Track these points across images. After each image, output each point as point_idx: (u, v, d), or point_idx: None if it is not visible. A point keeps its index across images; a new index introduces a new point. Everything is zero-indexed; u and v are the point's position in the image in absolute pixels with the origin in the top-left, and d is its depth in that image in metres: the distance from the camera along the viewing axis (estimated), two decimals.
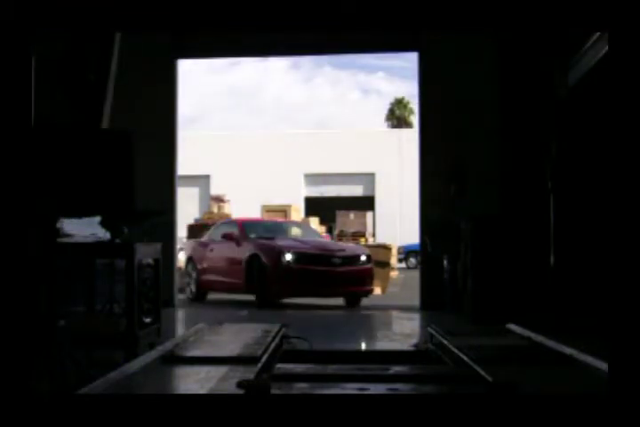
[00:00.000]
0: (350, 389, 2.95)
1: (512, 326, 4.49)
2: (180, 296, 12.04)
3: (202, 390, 2.62)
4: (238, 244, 11.21)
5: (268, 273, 10.23)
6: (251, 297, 10.63)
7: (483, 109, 9.63)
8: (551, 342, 3.77)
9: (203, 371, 2.99)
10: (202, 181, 27.45)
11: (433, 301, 9.47)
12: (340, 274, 10.33)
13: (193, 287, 12.12)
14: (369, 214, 20.11)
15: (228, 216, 15.51)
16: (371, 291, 10.94)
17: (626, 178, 2.31)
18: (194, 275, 12.17)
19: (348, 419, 2.21)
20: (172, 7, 2.70)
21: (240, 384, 2.61)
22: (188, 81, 55.02)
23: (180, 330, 7.47)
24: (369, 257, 11.07)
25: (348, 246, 12.18)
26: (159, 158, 10.03)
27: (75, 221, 5.20)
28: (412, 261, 24.20)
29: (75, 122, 6.36)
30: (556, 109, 8.06)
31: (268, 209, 17.21)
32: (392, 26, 2.85)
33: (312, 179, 28.88)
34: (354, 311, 9.88)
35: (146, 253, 5.41)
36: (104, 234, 5.33)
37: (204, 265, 11.96)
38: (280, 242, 10.94)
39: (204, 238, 12.52)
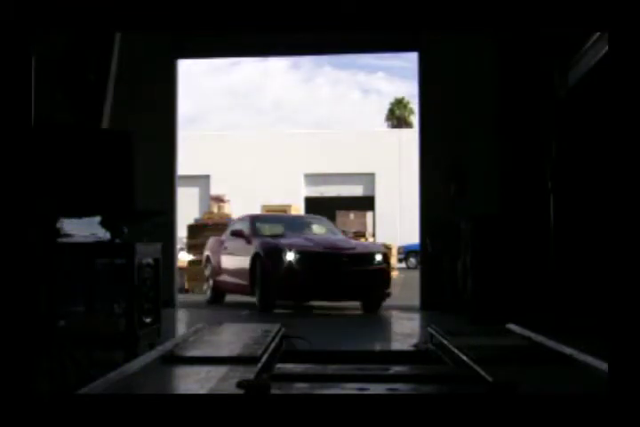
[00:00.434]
0: (350, 389, 2.95)
1: (512, 326, 4.49)
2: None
3: (202, 390, 2.62)
4: (248, 241, 10.35)
5: (268, 274, 9.40)
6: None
7: (483, 109, 9.63)
8: (551, 342, 3.77)
9: (203, 371, 2.99)
10: (202, 181, 27.44)
11: (433, 301, 9.47)
12: (349, 275, 9.35)
13: (209, 288, 11.55)
14: (369, 214, 20.11)
15: (227, 216, 15.51)
16: (387, 294, 9.83)
17: (626, 178, 2.31)
18: (209, 275, 11.59)
19: (347, 419, 2.20)
20: (171, 7, 2.70)
21: (240, 384, 2.61)
22: (188, 81, 55.03)
23: (181, 330, 7.47)
24: (385, 256, 10.01)
25: (361, 244, 11.06)
26: (159, 158, 10.03)
27: (75, 221, 5.20)
28: (412, 261, 24.20)
29: (75, 122, 6.36)
30: (556, 109, 8.06)
31: (267, 209, 17.21)
32: (392, 26, 2.85)
33: (312, 179, 28.88)
34: (354, 312, 9.86)
35: (146, 253, 5.41)
36: (104, 234, 5.33)
37: (219, 264, 11.27)
38: (284, 240, 9.97)
39: (224, 236, 11.69)
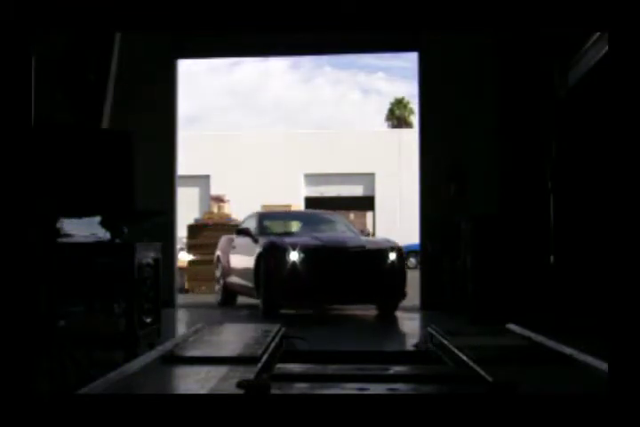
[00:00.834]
0: (350, 389, 2.95)
1: (512, 326, 4.49)
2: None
3: (202, 390, 2.62)
4: (255, 240, 9.63)
5: (271, 275, 8.73)
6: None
7: (483, 109, 9.63)
8: (551, 342, 3.77)
9: (203, 371, 2.99)
10: (202, 181, 27.44)
11: (433, 301, 9.46)
12: (360, 276, 8.64)
13: (219, 289, 11.05)
14: (369, 214, 20.09)
15: (227, 216, 15.50)
16: (401, 296, 9.05)
17: (626, 178, 2.31)
18: (219, 275, 11.12)
19: (347, 419, 2.20)
20: (171, 7, 2.70)
21: (240, 384, 2.61)
22: (188, 81, 55.02)
23: (181, 330, 7.47)
24: (400, 254, 9.09)
25: (373, 241, 9.96)
26: (159, 158, 10.03)
27: (75, 221, 5.20)
28: (412, 261, 24.21)
29: (75, 122, 6.36)
30: (556, 109, 8.07)
31: (268, 209, 17.20)
32: (392, 26, 2.86)
33: (312, 179, 28.88)
34: (354, 312, 9.81)
35: (146, 253, 5.41)
36: (104, 234, 5.33)
37: (229, 264, 10.70)
38: (289, 239, 9.21)
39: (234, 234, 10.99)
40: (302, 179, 29.00)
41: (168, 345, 3.71)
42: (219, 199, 17.18)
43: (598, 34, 6.68)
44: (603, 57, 6.54)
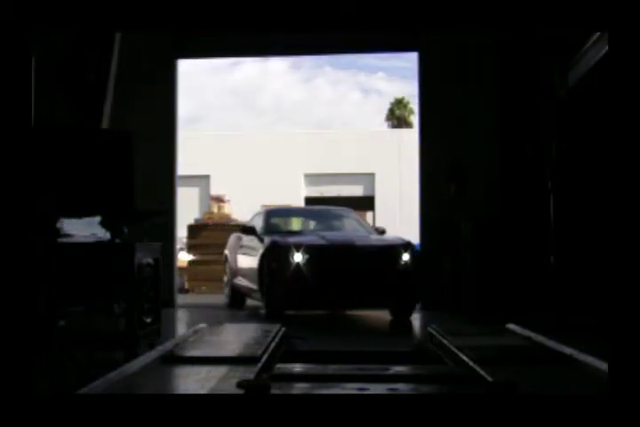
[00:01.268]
0: (350, 389, 2.95)
1: (512, 326, 4.49)
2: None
3: (202, 390, 2.62)
4: (260, 239, 9.06)
5: (273, 277, 8.25)
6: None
7: (483, 109, 9.63)
8: (551, 342, 3.77)
9: (203, 371, 2.99)
10: (202, 181, 27.44)
11: (433, 301, 9.47)
12: (367, 278, 8.08)
13: (227, 290, 10.66)
14: (369, 214, 20.09)
15: (227, 216, 15.51)
16: (416, 300, 8.48)
17: (626, 178, 2.31)
18: (227, 275, 10.70)
19: (347, 419, 2.20)
20: (172, 7, 2.70)
21: (240, 384, 2.61)
22: (188, 81, 54.98)
23: (181, 330, 7.47)
24: (413, 253, 8.43)
25: (385, 240, 9.16)
26: (159, 158, 10.04)
27: (75, 221, 5.20)
28: None
29: (75, 122, 6.36)
30: (556, 109, 8.07)
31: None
32: (392, 26, 2.86)
33: (312, 179, 28.88)
34: (354, 311, 9.78)
35: (146, 253, 5.41)
36: (104, 234, 5.33)
37: (236, 264, 10.22)
38: (294, 238, 8.67)
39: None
40: (302, 179, 28.99)
41: (168, 345, 3.70)
42: (219, 199, 17.18)
43: (598, 34, 6.69)
44: (603, 57, 6.55)
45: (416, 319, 8.87)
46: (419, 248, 10.11)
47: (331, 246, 8.39)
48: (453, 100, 9.84)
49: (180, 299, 11.08)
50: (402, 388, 3.00)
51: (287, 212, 12.05)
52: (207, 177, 28.15)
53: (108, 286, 5.42)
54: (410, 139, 20.39)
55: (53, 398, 2.40)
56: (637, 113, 2.30)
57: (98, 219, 5.37)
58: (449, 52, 9.82)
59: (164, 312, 6.21)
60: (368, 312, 9.27)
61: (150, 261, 5.54)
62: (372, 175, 29.03)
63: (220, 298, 11.33)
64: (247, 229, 9.67)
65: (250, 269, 9.16)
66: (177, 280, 11.02)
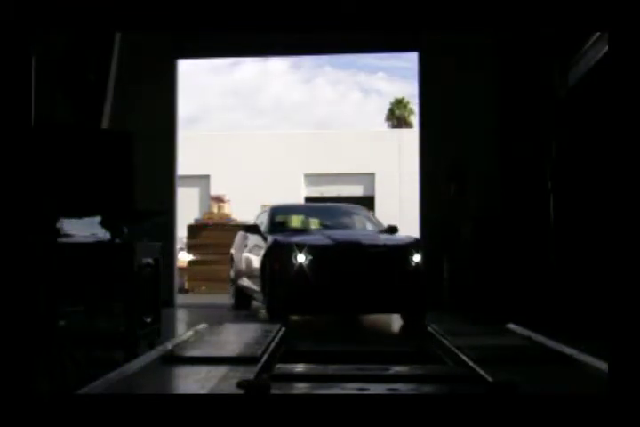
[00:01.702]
0: (350, 389, 2.95)
1: (512, 326, 4.49)
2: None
3: (202, 390, 2.62)
4: (264, 238, 8.60)
5: (275, 279, 7.82)
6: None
7: (483, 109, 9.64)
8: (551, 342, 3.77)
9: (203, 371, 2.99)
10: (202, 181, 27.43)
11: (433, 301, 9.46)
12: (375, 281, 7.59)
13: (232, 291, 10.31)
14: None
15: (227, 216, 15.51)
16: (424, 304, 7.93)
17: (626, 178, 2.31)
18: (232, 276, 10.36)
19: (347, 419, 2.20)
20: (172, 7, 2.70)
21: (240, 384, 2.61)
22: (188, 81, 54.97)
23: (181, 330, 7.47)
24: (425, 252, 7.97)
25: (395, 239, 8.51)
26: (159, 158, 10.04)
27: (75, 221, 5.21)
28: None
29: (75, 122, 6.36)
30: (556, 109, 8.07)
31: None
32: (392, 26, 2.86)
33: (312, 179, 28.88)
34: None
35: (146, 253, 5.41)
36: (104, 234, 5.33)
37: (240, 264, 9.83)
38: (297, 237, 8.19)
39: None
40: (302, 179, 28.99)
41: (168, 345, 3.71)
42: (219, 199, 17.17)
43: (598, 34, 6.69)
44: (603, 57, 6.55)
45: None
46: None
47: (336, 246, 7.87)
48: (453, 100, 9.84)
49: (180, 299, 11.08)
50: (402, 388, 3.00)
51: (294, 209, 11.45)
52: (207, 177, 28.14)
53: (108, 286, 5.43)
54: (410, 139, 20.39)
55: (53, 398, 2.39)
56: (637, 113, 2.30)
57: (98, 219, 5.37)
58: (449, 52, 9.81)
59: (164, 312, 6.20)
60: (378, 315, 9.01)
61: (150, 261, 5.54)
62: (371, 175, 29.04)
63: (221, 298, 11.32)
64: (251, 228, 9.28)
65: (253, 270, 8.77)
66: (177, 280, 11.01)
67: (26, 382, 2.34)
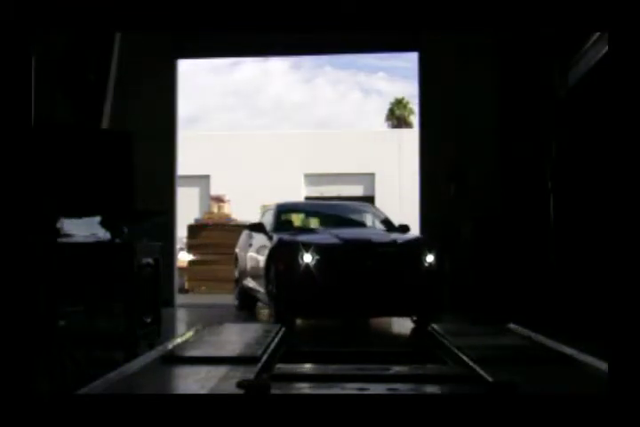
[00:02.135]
0: (350, 389, 2.95)
1: (512, 326, 4.49)
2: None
3: (202, 390, 2.62)
4: (269, 237, 8.21)
5: (279, 281, 7.45)
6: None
7: (483, 109, 9.64)
8: (551, 342, 3.77)
9: (203, 371, 2.99)
10: (202, 181, 27.43)
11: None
12: (386, 282, 7.18)
13: (236, 292, 9.96)
14: None
15: (227, 216, 15.50)
16: (440, 307, 7.53)
17: (626, 178, 2.31)
18: (237, 276, 10.03)
19: (347, 419, 2.20)
20: (172, 7, 2.70)
21: (240, 384, 2.61)
22: (189, 81, 54.95)
23: (181, 330, 7.47)
24: (438, 252, 7.52)
25: (407, 239, 8.06)
26: (159, 158, 10.04)
27: (75, 221, 5.21)
28: None
29: (75, 122, 6.36)
30: (556, 109, 8.07)
31: (265, 210, 17.18)
32: (392, 26, 2.86)
33: (312, 179, 28.87)
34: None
35: (146, 253, 5.41)
36: (104, 234, 5.33)
37: (245, 264, 9.45)
38: (303, 236, 7.80)
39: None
40: (302, 179, 29.00)
41: (168, 345, 3.71)
42: (219, 199, 17.17)
43: (598, 34, 6.69)
44: (603, 57, 6.55)
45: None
46: None
47: (344, 246, 7.46)
48: (453, 100, 9.84)
49: (180, 299, 11.08)
50: (402, 388, 3.00)
51: (300, 206, 11.18)
52: (207, 177, 28.14)
53: (108, 286, 5.43)
54: (410, 139, 20.38)
55: (53, 398, 2.39)
56: (637, 113, 2.30)
57: (98, 219, 5.37)
58: (449, 52, 9.81)
59: (164, 312, 6.20)
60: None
61: (150, 261, 5.54)
62: (371, 175, 29.04)
63: (221, 298, 11.31)
64: (255, 226, 8.90)
65: (258, 270, 8.32)
66: (177, 280, 11.01)
67: (26, 382, 2.34)
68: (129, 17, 2.70)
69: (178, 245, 11.56)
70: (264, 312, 9.05)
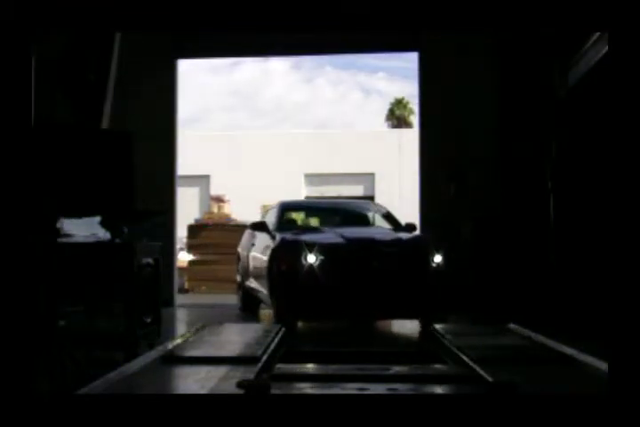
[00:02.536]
0: (350, 389, 2.95)
1: (512, 326, 4.49)
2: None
3: (202, 390, 2.62)
4: (272, 237, 7.97)
5: (281, 281, 7.25)
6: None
7: (483, 109, 9.64)
8: (551, 342, 3.77)
9: (203, 371, 2.99)
10: (202, 181, 27.44)
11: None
12: (392, 284, 6.95)
13: (239, 293, 9.72)
14: None
15: (227, 216, 15.50)
16: (443, 308, 7.20)
17: (626, 178, 2.31)
18: (239, 276, 9.80)
19: (347, 419, 2.20)
20: (172, 7, 2.70)
21: (240, 384, 2.61)
22: (189, 81, 54.94)
23: (181, 330, 7.46)
24: (446, 252, 7.27)
25: (414, 239, 7.90)
26: (159, 158, 10.04)
27: (75, 221, 5.21)
28: None
29: (75, 122, 6.36)
30: (556, 109, 8.07)
31: (268, 209, 17.19)
32: (392, 26, 2.86)
33: (312, 179, 28.87)
34: None
35: (146, 253, 5.41)
36: (104, 234, 5.33)
37: (247, 264, 9.15)
38: (307, 235, 7.60)
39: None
40: (302, 179, 29.00)
41: (168, 345, 3.70)
42: (219, 199, 17.17)
43: (598, 34, 6.69)
44: (603, 57, 6.55)
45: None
46: None
47: (349, 245, 7.24)
48: (453, 100, 9.84)
49: (181, 299, 11.08)
50: (402, 388, 3.00)
51: (304, 205, 10.94)
52: (207, 177, 28.15)
53: (108, 286, 5.43)
54: (410, 139, 20.39)
55: (53, 398, 2.39)
56: (637, 113, 2.30)
57: (98, 219, 5.37)
58: (449, 52, 9.81)
59: (164, 312, 6.20)
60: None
61: (150, 261, 5.54)
62: (371, 175, 29.04)
63: (222, 298, 11.30)
64: (258, 225, 8.60)
65: (261, 270, 8.03)
66: (177, 280, 11.01)
67: (26, 382, 2.34)
68: (129, 17, 2.70)
69: (178, 245, 11.56)
70: (268, 313, 8.89)
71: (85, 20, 2.72)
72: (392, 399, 2.63)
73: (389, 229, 8.51)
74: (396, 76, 74.49)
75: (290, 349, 4.37)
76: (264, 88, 64.64)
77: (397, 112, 41.86)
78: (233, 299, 10.98)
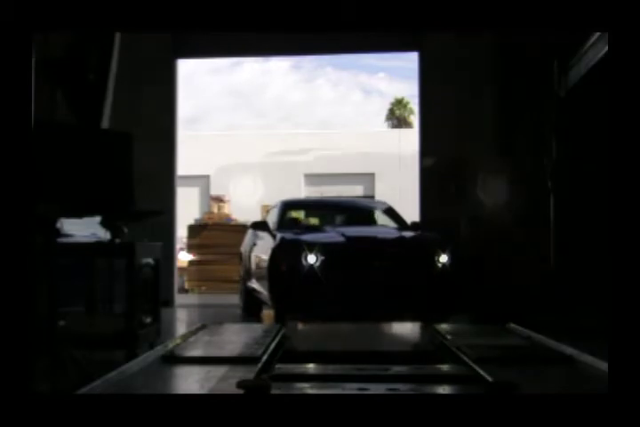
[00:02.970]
0: (350, 389, 2.95)
1: (512, 326, 4.49)
2: (228, 299, 10.78)
3: (202, 390, 2.62)
4: (273, 236, 7.83)
5: (281, 282, 7.10)
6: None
7: (483, 109, 9.64)
8: (551, 342, 3.77)
9: (203, 371, 2.98)
10: (202, 181, 27.45)
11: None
12: (395, 285, 6.81)
13: (242, 294, 9.52)
14: None
15: (227, 216, 15.51)
16: (451, 310, 7.00)
17: (626, 178, 2.31)
18: (241, 277, 9.68)
19: (347, 419, 2.20)
20: (172, 7, 2.70)
21: (240, 384, 2.61)
22: (189, 81, 54.94)
23: (181, 330, 7.46)
24: (453, 251, 7.08)
25: (418, 238, 7.65)
26: (159, 158, 10.04)
27: (75, 221, 5.21)
28: None
29: (75, 122, 6.36)
30: (556, 109, 8.07)
31: (268, 209, 17.20)
32: (392, 26, 2.85)
33: (312, 179, 28.88)
34: None
35: (146, 253, 5.41)
36: (104, 234, 5.33)
37: (249, 264, 9.00)
38: (307, 235, 7.47)
39: None
40: (302, 179, 29.00)
41: (168, 345, 3.70)
42: (219, 199, 17.19)
43: (598, 34, 6.70)
44: (603, 57, 6.55)
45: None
46: None
47: (351, 245, 7.09)
48: (453, 100, 9.84)
49: (180, 299, 11.07)
50: (402, 388, 3.00)
51: (306, 203, 10.88)
52: (207, 177, 28.15)
53: (108, 286, 5.43)
54: (410, 139, 20.39)
55: (53, 398, 2.39)
56: (637, 113, 2.30)
57: (98, 219, 5.37)
58: (449, 52, 9.82)
59: (164, 312, 6.20)
60: None
61: (150, 261, 5.54)
62: (371, 175, 29.05)
63: (222, 298, 11.30)
64: (259, 224, 8.49)
65: (262, 271, 7.90)
66: (177, 280, 11.01)
67: (26, 382, 2.34)
68: (129, 17, 2.70)
69: (178, 245, 11.57)
70: (268, 313, 8.79)
71: (85, 20, 2.72)
72: (392, 399, 2.63)
73: (393, 228, 8.33)
74: (396, 76, 74.50)
75: (290, 349, 4.37)
76: (264, 88, 64.61)
77: (397, 112, 41.88)
78: (233, 299, 10.95)
